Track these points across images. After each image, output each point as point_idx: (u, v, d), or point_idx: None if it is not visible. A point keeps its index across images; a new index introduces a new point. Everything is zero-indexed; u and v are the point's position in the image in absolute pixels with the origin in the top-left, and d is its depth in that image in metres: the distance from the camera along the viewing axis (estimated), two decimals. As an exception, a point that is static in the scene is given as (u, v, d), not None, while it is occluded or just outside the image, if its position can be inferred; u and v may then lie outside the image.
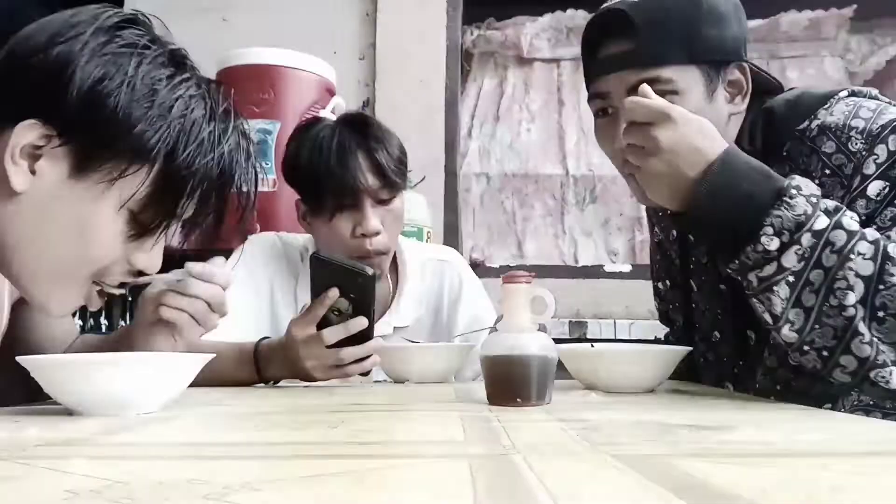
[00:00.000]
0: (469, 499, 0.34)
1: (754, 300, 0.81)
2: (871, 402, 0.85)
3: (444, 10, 2.68)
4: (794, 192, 0.77)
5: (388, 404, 0.82)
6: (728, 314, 1.02)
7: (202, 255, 0.92)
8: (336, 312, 0.99)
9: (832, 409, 0.86)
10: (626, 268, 2.62)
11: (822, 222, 0.76)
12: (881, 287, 0.75)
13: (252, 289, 1.26)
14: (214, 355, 0.76)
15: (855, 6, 2.77)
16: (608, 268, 2.63)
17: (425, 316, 1.34)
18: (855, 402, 0.85)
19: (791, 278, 0.77)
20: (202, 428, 0.64)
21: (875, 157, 0.85)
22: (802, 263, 0.76)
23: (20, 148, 0.70)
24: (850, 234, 0.76)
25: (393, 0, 2.67)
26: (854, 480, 0.40)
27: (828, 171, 0.88)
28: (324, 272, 1.00)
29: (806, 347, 0.78)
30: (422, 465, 0.45)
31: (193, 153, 0.75)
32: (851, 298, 0.75)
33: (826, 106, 0.92)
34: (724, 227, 0.80)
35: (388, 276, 1.32)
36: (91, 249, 0.74)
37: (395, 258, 1.34)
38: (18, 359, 0.69)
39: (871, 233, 0.77)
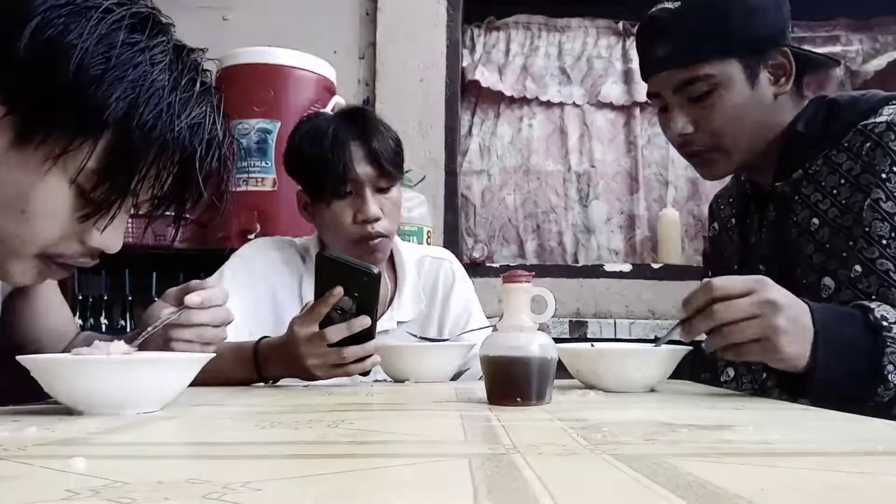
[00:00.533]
0: (469, 499, 0.34)
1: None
2: None
3: (444, 9, 2.68)
4: (884, 323, 0.83)
5: (388, 404, 0.82)
6: None
7: (199, 255, 0.91)
8: (339, 311, 0.99)
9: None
10: (627, 267, 2.62)
11: None
12: None
13: (252, 291, 1.27)
14: (214, 355, 0.76)
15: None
16: (608, 268, 2.63)
17: (425, 309, 1.37)
18: None
19: None
20: (202, 428, 0.64)
21: None
22: None
23: None
24: None
25: (393, 0, 2.67)
26: (854, 480, 0.40)
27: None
28: (329, 271, 1.00)
29: None
30: (422, 465, 0.45)
31: (149, 124, 0.68)
32: None
33: (893, 103, 0.97)
34: (845, 379, 0.83)
35: (387, 275, 1.35)
36: (33, 225, 0.69)
37: (392, 259, 1.37)
38: (18, 358, 0.68)
39: None
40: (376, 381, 1.16)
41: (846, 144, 0.98)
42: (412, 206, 2.24)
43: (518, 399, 0.73)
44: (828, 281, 0.99)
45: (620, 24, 2.90)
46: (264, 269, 1.30)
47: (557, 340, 0.80)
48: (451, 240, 2.61)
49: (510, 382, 0.74)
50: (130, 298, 2.37)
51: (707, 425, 0.61)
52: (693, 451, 0.48)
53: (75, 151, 0.67)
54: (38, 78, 0.65)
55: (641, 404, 0.79)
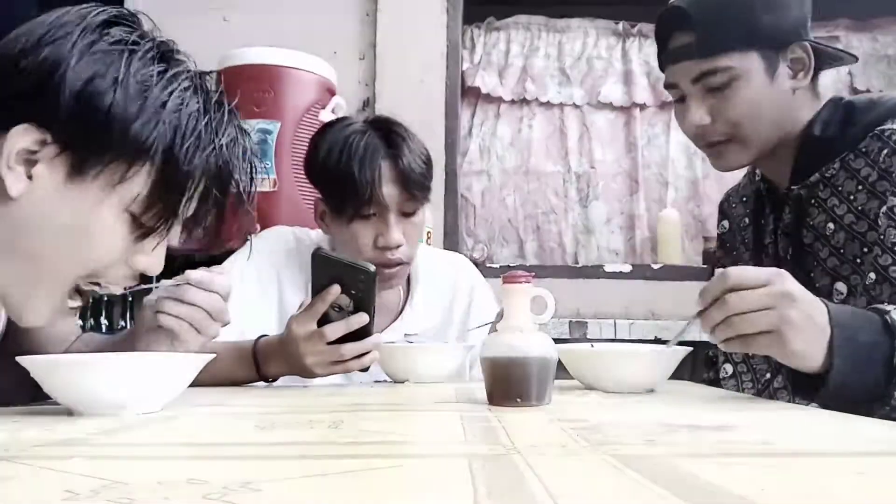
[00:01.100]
0: (469, 499, 0.34)
1: None
2: None
3: (444, 9, 2.68)
4: None
5: (388, 404, 0.82)
6: None
7: (211, 258, 0.91)
8: (336, 309, 0.99)
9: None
10: (627, 268, 2.62)
11: None
12: None
13: (259, 288, 1.24)
14: (214, 355, 0.76)
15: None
16: (608, 268, 2.63)
17: (438, 323, 1.32)
18: None
19: None
20: (202, 428, 0.64)
21: None
22: None
23: (15, 153, 0.69)
24: None
25: (393, 0, 2.67)
26: (854, 480, 0.40)
27: None
28: (325, 269, 1.00)
29: None
30: (422, 465, 0.45)
31: (192, 148, 0.73)
32: None
33: None
34: (861, 383, 0.81)
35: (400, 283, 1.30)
36: (91, 254, 0.73)
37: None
38: (18, 359, 0.68)
39: None
40: (376, 381, 1.16)
41: (864, 150, 0.97)
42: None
43: (518, 399, 0.73)
44: (840, 286, 0.99)
45: (620, 25, 2.90)
46: (272, 265, 1.26)
47: (557, 341, 0.80)
48: (451, 240, 2.61)
49: (510, 383, 0.74)
50: (130, 299, 2.37)
51: (707, 426, 0.61)
52: (693, 452, 0.48)
53: (130, 179, 0.72)
54: (83, 118, 0.69)
55: (641, 405, 0.79)
